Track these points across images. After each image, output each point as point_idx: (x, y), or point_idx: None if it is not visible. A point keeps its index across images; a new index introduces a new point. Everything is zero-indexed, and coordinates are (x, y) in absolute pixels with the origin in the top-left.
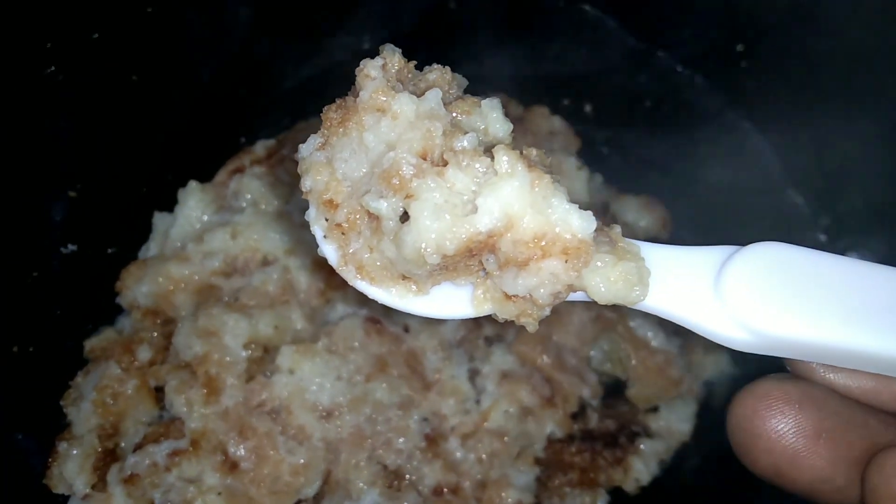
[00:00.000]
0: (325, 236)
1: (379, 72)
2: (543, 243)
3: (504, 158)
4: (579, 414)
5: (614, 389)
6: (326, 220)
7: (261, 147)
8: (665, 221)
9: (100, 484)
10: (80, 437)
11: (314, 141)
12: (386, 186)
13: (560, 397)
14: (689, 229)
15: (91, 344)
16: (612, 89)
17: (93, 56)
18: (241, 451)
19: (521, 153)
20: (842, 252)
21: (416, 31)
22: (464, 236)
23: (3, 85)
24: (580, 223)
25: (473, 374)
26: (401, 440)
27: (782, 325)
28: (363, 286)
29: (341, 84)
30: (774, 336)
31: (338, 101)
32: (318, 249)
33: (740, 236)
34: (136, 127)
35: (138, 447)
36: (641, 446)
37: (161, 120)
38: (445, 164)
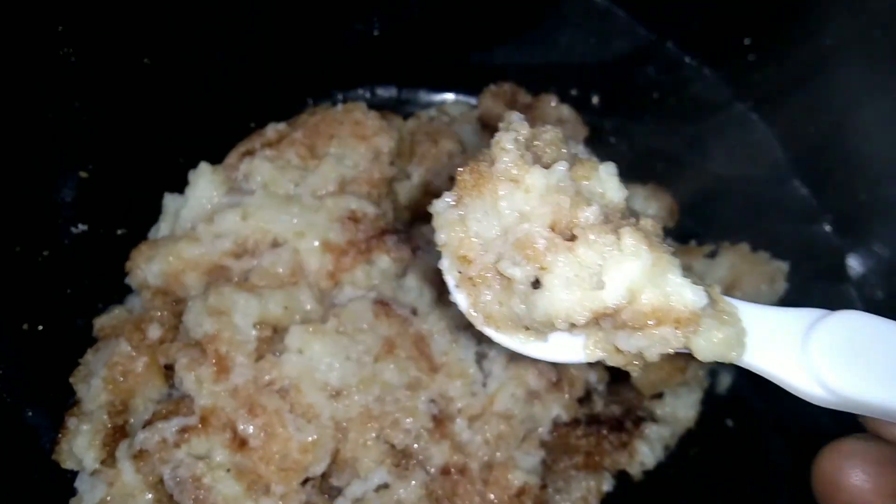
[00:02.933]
0: (456, 285)
1: (514, 144)
2: (659, 314)
3: (630, 241)
4: (585, 399)
5: (620, 375)
6: (459, 272)
7: (272, 130)
8: (672, 210)
9: (109, 460)
10: (90, 414)
11: (448, 198)
12: (520, 254)
13: (566, 381)
14: (695, 218)
15: (101, 322)
16: (619, 80)
17: (105, 39)
18: (251, 429)
19: (637, 223)
20: (848, 245)
21: (425, 19)
22: (592, 309)
23: (15, 67)
24: (693, 297)
25: (480, 358)
26: (408, 420)
27: (860, 389)
28: (489, 331)
29: (350, 71)
30: (851, 398)
31: (471, 163)
32: (450, 296)
33: (747, 226)
34: (147, 110)
35: (147, 424)
36: (647, 431)
37: (172, 103)
38: (573, 236)
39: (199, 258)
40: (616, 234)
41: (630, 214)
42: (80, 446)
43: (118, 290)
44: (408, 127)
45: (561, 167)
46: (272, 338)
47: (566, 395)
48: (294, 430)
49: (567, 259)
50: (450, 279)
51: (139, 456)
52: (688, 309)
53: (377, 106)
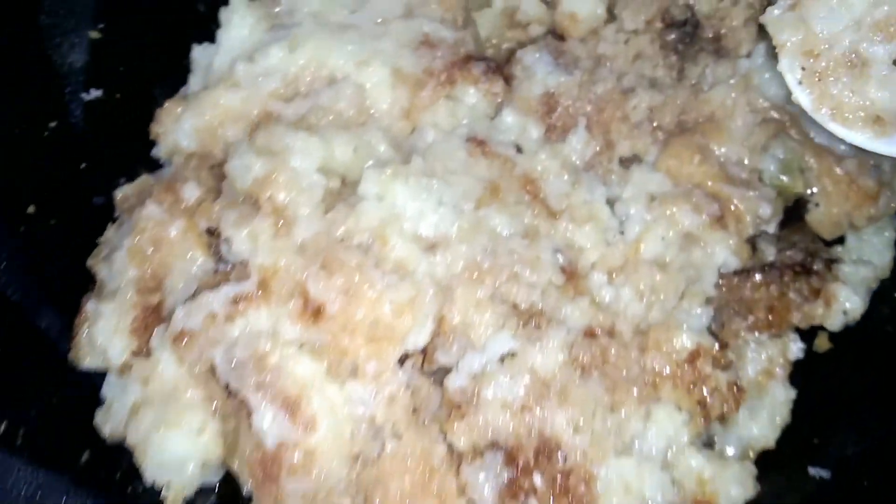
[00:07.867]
0: (800, 82)
1: None
2: None
3: None
4: (753, 248)
5: (790, 217)
6: (803, 68)
7: None
8: None
9: (142, 350)
10: (114, 293)
11: (784, 3)
12: (881, 35)
13: (731, 217)
14: None
15: (124, 192)
16: None
17: None
18: (327, 292)
19: None
20: None
21: None
22: None
23: None
24: None
25: (612, 202)
26: (530, 273)
27: None
28: (835, 127)
29: None
30: None
31: None
32: (792, 96)
33: None
34: None
35: (189, 299)
36: (845, 269)
37: None
38: None
39: (241, 106)
40: None
41: None
42: (104, 332)
43: (145, 164)
44: None
45: None
46: (342, 191)
47: (733, 235)
48: (383, 288)
49: None
50: (790, 78)
51: (180, 338)
52: None
53: None
